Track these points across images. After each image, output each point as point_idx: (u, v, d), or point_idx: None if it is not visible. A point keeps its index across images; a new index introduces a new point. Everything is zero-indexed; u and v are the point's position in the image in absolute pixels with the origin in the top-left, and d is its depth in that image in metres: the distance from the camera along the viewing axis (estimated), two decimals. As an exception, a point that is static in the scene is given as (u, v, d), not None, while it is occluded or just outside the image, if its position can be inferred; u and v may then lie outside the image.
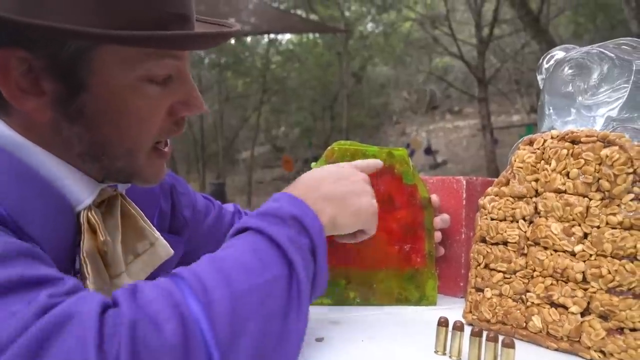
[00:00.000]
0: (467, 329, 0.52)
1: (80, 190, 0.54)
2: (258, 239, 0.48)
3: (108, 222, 0.57)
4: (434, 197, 0.78)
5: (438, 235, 0.77)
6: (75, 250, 0.53)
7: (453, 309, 0.73)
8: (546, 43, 6.89)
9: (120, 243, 0.57)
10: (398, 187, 0.75)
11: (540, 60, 0.75)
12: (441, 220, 0.77)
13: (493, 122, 9.69)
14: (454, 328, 0.51)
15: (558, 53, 0.73)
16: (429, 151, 12.35)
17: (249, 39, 13.66)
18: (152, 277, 0.52)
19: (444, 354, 0.52)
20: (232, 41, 13.43)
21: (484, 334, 0.49)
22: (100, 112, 0.52)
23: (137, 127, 0.54)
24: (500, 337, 0.48)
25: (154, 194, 0.73)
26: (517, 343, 0.48)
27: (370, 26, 12.60)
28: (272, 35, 11.78)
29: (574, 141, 0.57)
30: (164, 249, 0.62)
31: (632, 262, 0.51)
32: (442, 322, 0.52)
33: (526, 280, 0.59)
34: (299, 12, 10.99)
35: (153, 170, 0.58)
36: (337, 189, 0.59)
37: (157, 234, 0.62)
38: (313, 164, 0.75)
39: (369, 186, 0.63)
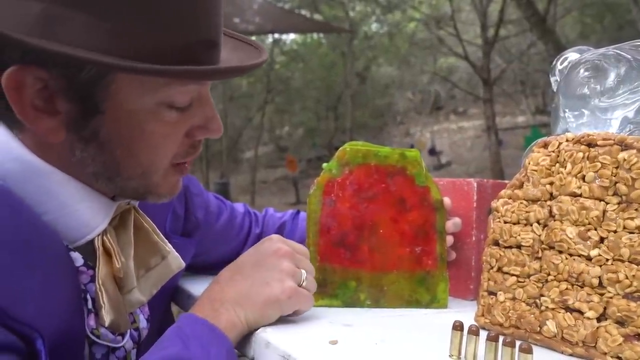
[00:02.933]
0: (483, 334, 0.51)
1: (96, 214, 0.53)
2: None
3: (121, 238, 0.56)
4: (446, 200, 0.77)
5: (450, 239, 0.77)
6: (79, 285, 0.52)
7: (464, 312, 0.72)
8: (553, 44, 6.86)
9: (133, 258, 0.56)
10: (410, 188, 0.74)
11: (554, 62, 0.74)
12: (453, 224, 0.76)
13: (498, 123, 9.66)
14: (469, 332, 0.51)
15: (572, 55, 0.72)
16: (433, 152, 12.33)
17: (253, 38, 13.67)
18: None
19: (459, 358, 0.52)
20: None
21: (501, 338, 0.49)
22: (115, 135, 0.51)
23: (152, 151, 0.53)
24: (517, 342, 0.48)
25: None
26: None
27: (374, 26, 12.59)
28: (276, 35, 11.79)
29: (590, 144, 0.57)
30: (176, 261, 0.62)
31: (650, 267, 0.50)
32: (457, 326, 0.52)
33: (540, 284, 0.59)
34: (303, 12, 10.99)
35: (168, 187, 0.58)
36: (242, 286, 0.57)
37: (169, 247, 0.62)
38: (325, 165, 0.74)
39: (286, 262, 0.60)
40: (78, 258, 0.53)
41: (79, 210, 0.52)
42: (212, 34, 0.51)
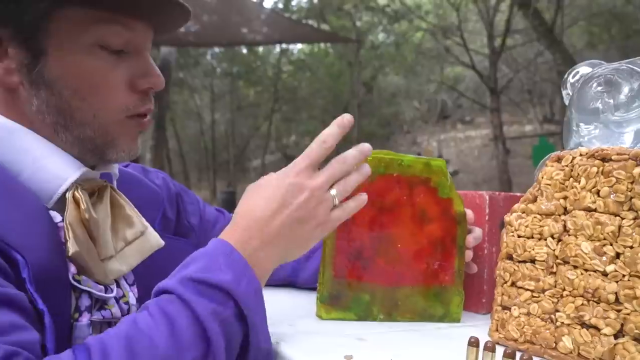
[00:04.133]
0: (499, 350, 0.51)
1: (66, 166, 0.57)
2: (179, 314, 0.47)
3: (97, 208, 0.58)
4: (469, 212, 0.75)
5: (469, 254, 0.75)
6: (60, 239, 0.54)
7: (477, 327, 0.72)
8: (560, 53, 6.85)
9: (110, 230, 0.59)
10: (433, 200, 0.72)
11: (565, 76, 0.75)
12: (474, 238, 0.74)
13: (505, 132, 9.63)
14: (485, 349, 0.50)
15: (583, 68, 0.72)
16: (440, 161, 12.27)
17: (260, 48, 13.76)
18: (158, 278, 0.52)
19: (474, 374, 0.52)
20: (244, 51, 13.54)
21: (518, 355, 0.49)
22: (59, 76, 0.56)
23: (95, 92, 0.57)
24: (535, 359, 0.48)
25: (157, 197, 0.74)
26: (550, 365, 0.47)
27: (381, 36, 12.63)
28: (283, 45, 11.87)
29: (604, 159, 0.57)
30: (155, 238, 0.63)
31: (667, 283, 0.50)
32: (473, 342, 0.51)
33: (555, 300, 0.58)
34: (310, 22, 11.06)
35: (126, 142, 0.60)
36: (278, 224, 0.54)
37: (146, 223, 0.63)
38: None
39: (319, 193, 0.56)
40: (56, 215, 0.55)
41: (49, 163, 0.56)
42: None
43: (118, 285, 0.60)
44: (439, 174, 0.73)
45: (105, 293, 0.56)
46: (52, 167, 0.56)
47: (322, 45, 13.39)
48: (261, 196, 0.56)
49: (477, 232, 0.77)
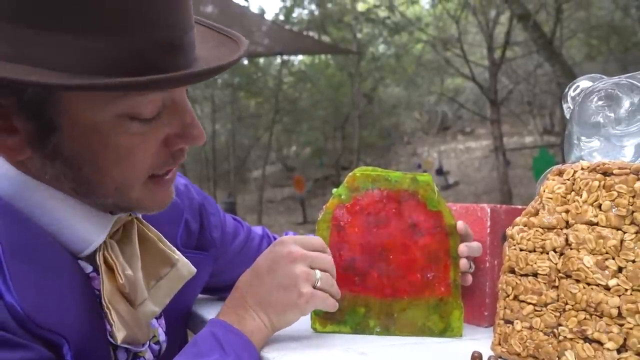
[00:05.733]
0: (501, 365, 0.51)
1: (92, 227, 0.52)
2: None
3: (126, 251, 0.55)
4: (460, 224, 0.76)
5: (464, 264, 0.75)
6: (93, 290, 0.53)
7: (479, 340, 0.71)
8: (560, 65, 6.89)
9: (141, 269, 0.56)
10: (422, 213, 0.74)
11: (566, 90, 0.75)
12: (468, 248, 0.74)
13: (505, 143, 9.65)
14: (487, 363, 0.50)
15: (584, 82, 0.73)
16: (440, 172, 12.29)
17: (261, 60, 13.85)
18: (181, 297, 0.52)
19: (477, 389, 0.51)
20: (245, 62, 13.64)
21: (520, 370, 0.48)
22: (78, 151, 0.49)
23: (121, 166, 0.50)
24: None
25: (178, 209, 0.71)
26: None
27: (382, 48, 12.72)
28: (284, 56, 11.95)
29: (606, 173, 0.57)
30: (186, 268, 0.61)
31: (670, 298, 0.50)
32: (477, 357, 0.51)
33: (558, 314, 0.58)
34: (311, 33, 11.14)
35: (155, 200, 0.55)
36: (261, 291, 0.60)
37: (178, 254, 0.61)
38: (334, 190, 0.75)
39: (298, 266, 0.62)
40: (87, 266, 0.53)
41: (74, 224, 0.51)
42: (174, 33, 0.46)
43: None
44: (427, 188, 0.74)
45: (142, 346, 0.56)
46: (78, 229, 0.51)
47: (322, 56, 13.48)
48: (256, 269, 0.64)
49: (475, 243, 0.76)
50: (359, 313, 0.72)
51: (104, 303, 0.51)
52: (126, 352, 0.55)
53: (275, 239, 0.95)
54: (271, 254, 0.63)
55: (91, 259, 0.54)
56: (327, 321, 0.71)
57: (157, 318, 0.63)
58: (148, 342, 0.58)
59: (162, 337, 0.62)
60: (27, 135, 0.48)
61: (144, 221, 0.60)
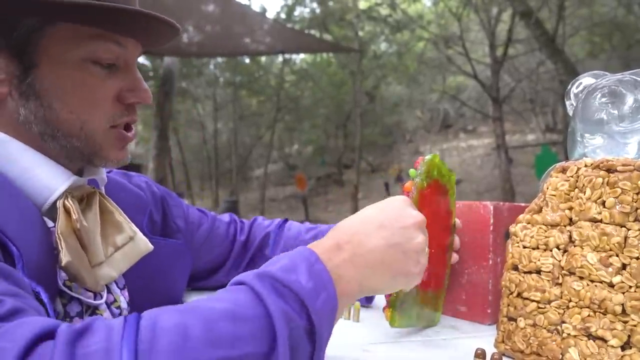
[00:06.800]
0: (505, 362, 0.51)
1: (54, 178, 0.57)
2: (250, 303, 0.40)
3: (87, 215, 0.59)
4: (458, 222, 0.78)
5: (455, 257, 0.78)
6: (54, 260, 0.54)
7: (482, 337, 0.72)
8: (562, 62, 6.87)
9: (100, 236, 0.59)
10: (446, 210, 0.75)
11: (569, 87, 0.75)
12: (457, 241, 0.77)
13: (508, 141, 9.63)
14: (491, 360, 0.50)
15: (586, 79, 0.73)
16: (442, 170, 12.25)
17: (263, 58, 13.85)
18: (166, 283, 0.52)
19: (480, 386, 0.51)
20: (247, 60, 13.62)
21: (524, 367, 0.48)
22: (50, 88, 0.57)
23: (84, 104, 0.58)
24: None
25: (142, 200, 0.76)
26: (557, 377, 0.47)
27: (383, 46, 12.69)
28: (286, 55, 11.94)
29: (610, 169, 0.57)
30: (144, 243, 0.64)
31: (674, 294, 0.50)
32: (480, 354, 0.51)
33: (561, 311, 0.58)
34: (313, 32, 11.13)
35: (114, 150, 0.62)
36: (376, 246, 0.50)
37: (135, 228, 0.64)
38: (411, 170, 0.68)
39: (422, 235, 0.54)
40: (49, 221, 0.56)
41: (39, 174, 0.57)
42: None
43: (109, 291, 0.61)
44: (454, 188, 0.74)
45: (95, 300, 0.57)
46: (42, 177, 0.57)
47: (324, 55, 13.47)
48: (368, 213, 0.54)
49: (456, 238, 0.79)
50: (422, 306, 0.72)
51: (56, 234, 0.54)
52: (80, 304, 0.56)
53: (242, 222, 0.97)
54: (394, 211, 0.54)
55: (52, 215, 0.57)
56: (403, 317, 0.68)
57: (121, 289, 0.65)
58: (103, 298, 0.59)
59: (123, 304, 0.63)
60: (6, 73, 0.56)
61: (106, 196, 0.64)
